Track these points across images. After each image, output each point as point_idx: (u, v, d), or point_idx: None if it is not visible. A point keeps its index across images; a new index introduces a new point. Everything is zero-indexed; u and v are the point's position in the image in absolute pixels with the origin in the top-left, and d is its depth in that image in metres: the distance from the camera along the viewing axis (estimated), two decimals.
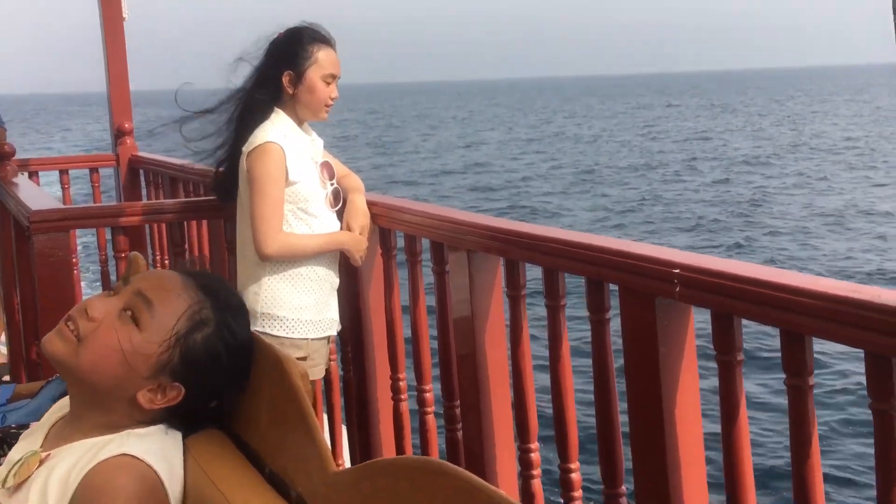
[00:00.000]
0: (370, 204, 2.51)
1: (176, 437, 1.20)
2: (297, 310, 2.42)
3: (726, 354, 1.49)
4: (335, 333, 2.59)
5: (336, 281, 2.53)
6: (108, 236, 3.10)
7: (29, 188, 3.12)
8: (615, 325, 1.73)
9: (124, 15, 4.46)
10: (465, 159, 28.51)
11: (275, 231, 2.35)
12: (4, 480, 1.14)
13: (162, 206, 3.05)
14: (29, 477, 1.12)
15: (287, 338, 2.39)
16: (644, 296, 1.59)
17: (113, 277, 3.69)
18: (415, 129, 45.36)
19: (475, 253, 2.10)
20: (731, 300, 1.44)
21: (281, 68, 2.42)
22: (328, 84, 2.44)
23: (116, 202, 4.65)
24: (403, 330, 2.54)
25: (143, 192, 4.46)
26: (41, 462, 1.13)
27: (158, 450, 1.14)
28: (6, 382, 3.65)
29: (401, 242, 2.47)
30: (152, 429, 1.17)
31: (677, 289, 1.51)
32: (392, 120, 54.62)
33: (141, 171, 4.48)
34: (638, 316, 1.61)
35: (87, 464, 1.09)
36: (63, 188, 4.60)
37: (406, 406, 2.54)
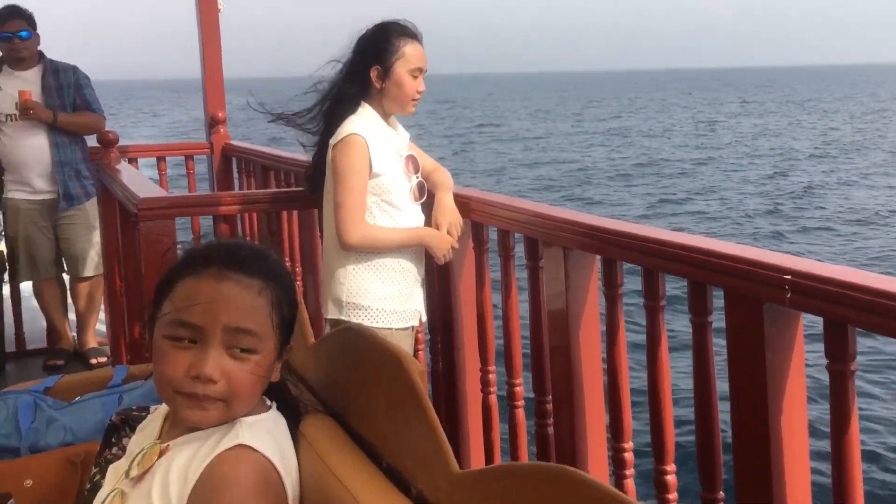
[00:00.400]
0: (465, 198, 2.53)
1: (282, 422, 1.24)
2: (381, 300, 2.46)
3: (839, 364, 1.46)
4: (418, 324, 2.62)
5: (421, 272, 2.56)
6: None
7: (134, 175, 3.25)
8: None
9: (220, 6, 4.57)
10: (530, 151, 28.45)
11: (356, 221, 2.39)
12: (128, 471, 1.20)
13: (257, 196, 3.14)
14: (150, 467, 1.17)
15: (371, 327, 2.44)
16: (752, 301, 1.57)
17: None
18: (485, 119, 45.29)
19: (571, 250, 2.10)
20: (846, 308, 1.40)
21: (369, 63, 2.46)
22: (415, 78, 2.47)
23: (210, 189, 4.79)
24: (494, 323, 2.56)
25: (235, 179, 4.60)
26: (161, 453, 1.18)
27: (269, 438, 1.18)
28: (109, 363, 3.81)
29: (493, 236, 2.48)
30: (262, 416, 1.21)
31: (788, 295, 1.48)
32: (464, 111, 54.63)
33: (233, 159, 4.61)
34: (745, 321, 1.59)
35: (206, 457, 1.13)
36: (160, 175, 4.77)
37: (495, 399, 2.56)
